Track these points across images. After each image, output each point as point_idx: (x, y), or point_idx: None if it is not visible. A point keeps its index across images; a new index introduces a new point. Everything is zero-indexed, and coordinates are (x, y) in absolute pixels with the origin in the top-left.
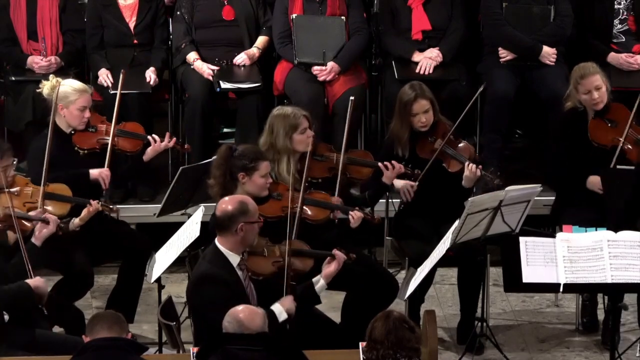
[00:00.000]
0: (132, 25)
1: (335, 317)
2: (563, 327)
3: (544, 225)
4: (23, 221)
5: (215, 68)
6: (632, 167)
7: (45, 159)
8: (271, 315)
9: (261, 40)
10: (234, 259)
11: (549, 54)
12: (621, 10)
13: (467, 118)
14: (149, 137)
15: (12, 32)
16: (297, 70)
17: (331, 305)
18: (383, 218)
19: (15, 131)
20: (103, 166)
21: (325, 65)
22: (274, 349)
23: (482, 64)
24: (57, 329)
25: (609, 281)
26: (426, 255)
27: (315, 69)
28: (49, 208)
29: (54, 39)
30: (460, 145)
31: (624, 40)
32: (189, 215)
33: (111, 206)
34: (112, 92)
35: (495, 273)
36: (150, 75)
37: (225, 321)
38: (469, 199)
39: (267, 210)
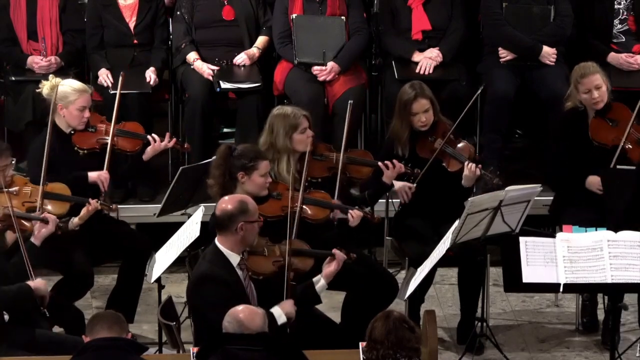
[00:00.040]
0: (132, 25)
1: (335, 317)
2: (563, 327)
3: (544, 225)
4: (22, 221)
5: (215, 68)
6: (633, 167)
7: (44, 159)
8: (270, 318)
9: (261, 40)
10: (234, 258)
11: (549, 54)
12: (621, 10)
13: (467, 118)
14: (148, 136)
15: (12, 32)
16: (297, 70)
17: (331, 305)
18: (383, 218)
19: (15, 131)
20: (103, 166)
21: (325, 65)
22: (274, 349)
23: (482, 64)
24: (57, 329)
25: (609, 281)
26: (426, 255)
27: (315, 69)
28: (49, 207)
29: (54, 39)
30: (460, 144)
31: (624, 40)
32: (189, 215)
33: (110, 205)
34: (112, 92)
35: (495, 273)
36: (150, 75)
37: (225, 321)
38: (469, 199)
39: (266, 209)
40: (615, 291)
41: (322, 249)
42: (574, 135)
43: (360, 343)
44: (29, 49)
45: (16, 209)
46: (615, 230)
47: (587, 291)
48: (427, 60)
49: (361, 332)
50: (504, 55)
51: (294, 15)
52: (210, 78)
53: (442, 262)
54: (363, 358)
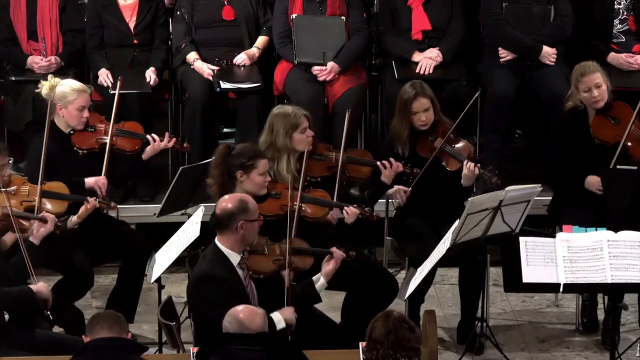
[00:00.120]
0: (132, 25)
1: (335, 317)
2: (563, 327)
3: (544, 225)
4: (21, 220)
5: (215, 68)
6: (633, 168)
7: (42, 158)
8: (269, 322)
9: (261, 40)
10: (234, 258)
11: (549, 54)
12: (621, 10)
13: (467, 118)
14: (148, 136)
15: (12, 32)
16: (297, 70)
17: (331, 305)
18: (383, 218)
19: (15, 131)
20: (102, 166)
21: (325, 65)
22: (274, 349)
23: (482, 64)
24: (57, 329)
25: (609, 281)
26: (426, 255)
27: (315, 69)
28: (47, 206)
29: (54, 39)
30: (460, 144)
31: (624, 40)
32: (189, 215)
33: (109, 203)
34: (112, 92)
35: (495, 273)
36: (150, 75)
37: (226, 321)
38: (469, 199)
39: (266, 208)
40: (615, 291)
41: (322, 248)
42: (574, 135)
43: (360, 343)
44: (29, 49)
45: (14, 208)
46: (615, 230)
47: (587, 291)
48: (427, 60)
49: (361, 332)
50: (504, 55)
51: (294, 15)
52: (210, 78)
53: (442, 262)
54: (363, 358)
